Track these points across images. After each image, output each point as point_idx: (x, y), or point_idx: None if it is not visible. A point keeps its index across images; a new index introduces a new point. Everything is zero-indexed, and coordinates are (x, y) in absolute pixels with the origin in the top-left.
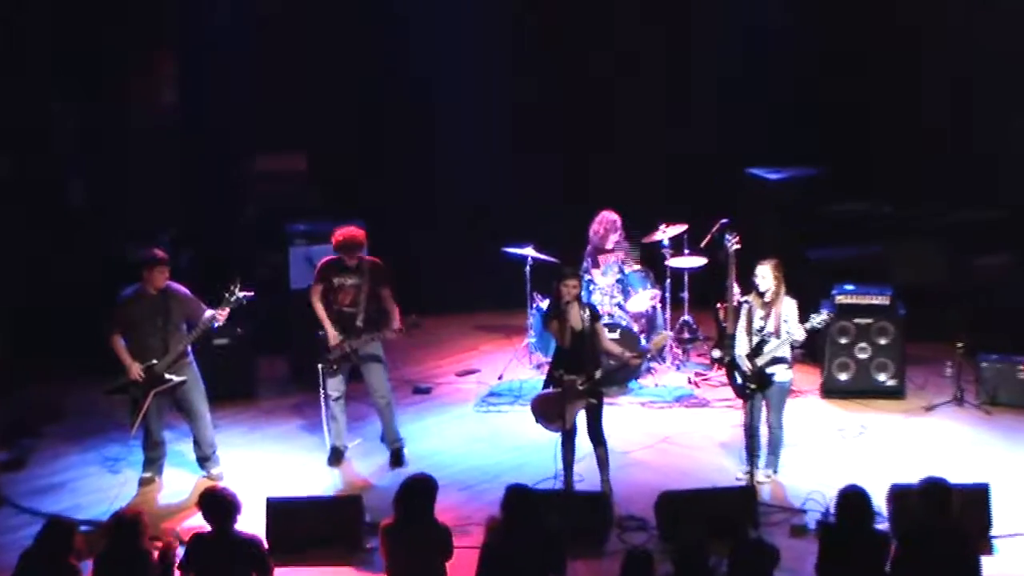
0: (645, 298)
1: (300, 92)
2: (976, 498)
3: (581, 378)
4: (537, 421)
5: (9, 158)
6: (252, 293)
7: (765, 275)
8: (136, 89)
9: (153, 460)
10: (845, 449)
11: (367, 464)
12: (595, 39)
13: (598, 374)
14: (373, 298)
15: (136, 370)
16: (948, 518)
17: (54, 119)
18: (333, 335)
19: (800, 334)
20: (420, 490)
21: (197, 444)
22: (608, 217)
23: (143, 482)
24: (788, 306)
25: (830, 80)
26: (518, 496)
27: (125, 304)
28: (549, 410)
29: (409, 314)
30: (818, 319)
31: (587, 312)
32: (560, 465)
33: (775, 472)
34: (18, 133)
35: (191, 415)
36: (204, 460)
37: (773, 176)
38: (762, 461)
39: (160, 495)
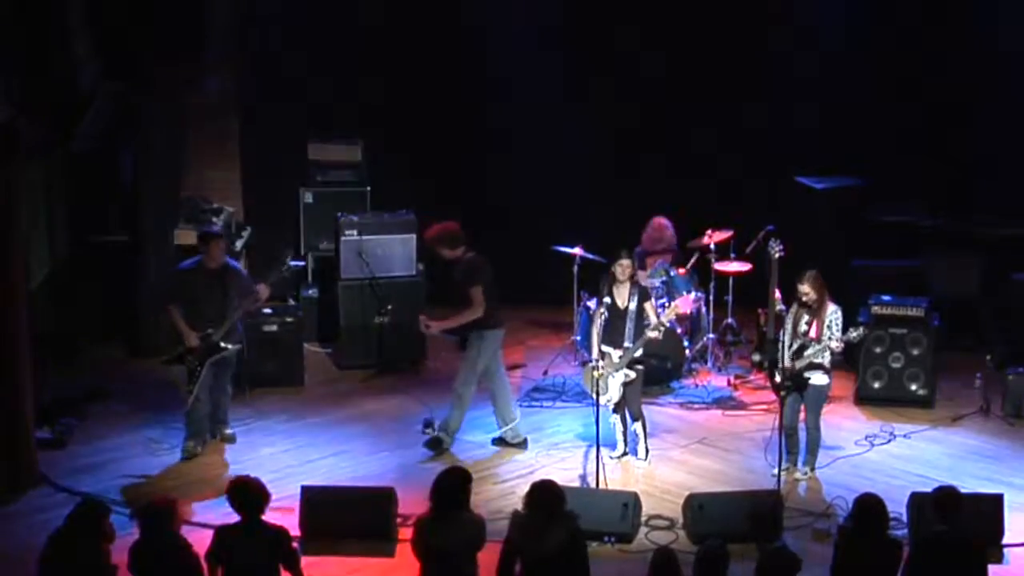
0: (688, 300)
1: (357, 81)
2: (989, 507)
3: (619, 352)
4: (585, 390)
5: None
6: (302, 262)
7: (807, 291)
8: (186, 72)
9: (201, 430)
10: (873, 455)
11: (408, 456)
12: (648, 41)
13: (631, 349)
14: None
15: (193, 338)
16: (958, 525)
17: (100, 101)
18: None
19: (837, 346)
20: (454, 483)
21: (212, 412)
22: (660, 222)
23: (187, 449)
24: (833, 313)
25: (884, 93)
26: (542, 491)
27: (184, 275)
28: (592, 381)
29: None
30: (854, 333)
31: (637, 294)
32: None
33: (812, 470)
34: (64, 113)
35: (218, 386)
36: (218, 423)
37: (820, 185)
38: (800, 459)
39: (195, 469)
